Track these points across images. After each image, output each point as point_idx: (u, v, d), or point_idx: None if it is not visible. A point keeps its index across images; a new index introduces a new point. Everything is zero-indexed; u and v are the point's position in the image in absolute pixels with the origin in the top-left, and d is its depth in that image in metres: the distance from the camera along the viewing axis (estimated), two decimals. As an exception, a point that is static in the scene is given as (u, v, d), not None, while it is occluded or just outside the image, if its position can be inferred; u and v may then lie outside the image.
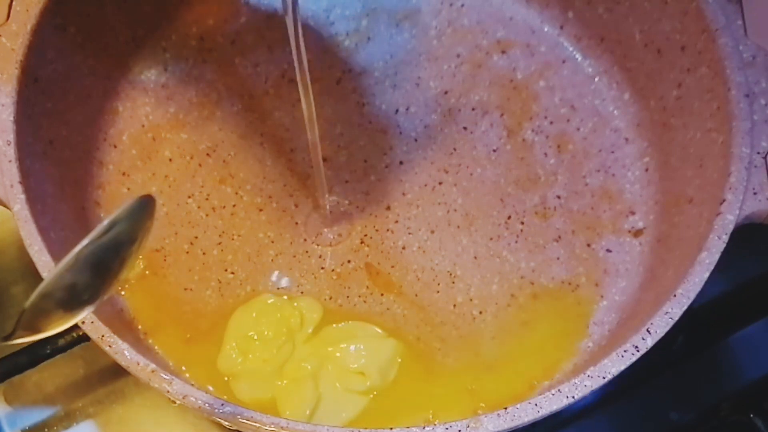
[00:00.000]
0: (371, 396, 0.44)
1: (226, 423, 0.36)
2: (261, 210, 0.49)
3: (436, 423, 0.35)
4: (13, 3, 0.44)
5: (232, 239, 0.48)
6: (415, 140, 0.51)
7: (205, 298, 0.47)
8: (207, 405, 0.36)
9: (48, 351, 0.44)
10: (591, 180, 0.50)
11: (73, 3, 0.46)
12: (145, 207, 0.30)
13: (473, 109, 0.52)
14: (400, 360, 0.45)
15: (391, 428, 0.35)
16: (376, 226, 0.49)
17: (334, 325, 0.46)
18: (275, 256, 0.48)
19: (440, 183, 0.50)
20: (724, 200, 0.41)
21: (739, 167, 0.41)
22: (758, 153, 0.42)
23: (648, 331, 0.37)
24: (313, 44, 0.54)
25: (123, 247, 0.29)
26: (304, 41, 0.51)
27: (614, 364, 0.37)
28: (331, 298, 0.47)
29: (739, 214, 0.40)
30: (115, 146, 0.51)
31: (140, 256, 0.46)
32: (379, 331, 0.46)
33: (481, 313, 0.46)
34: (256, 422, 0.35)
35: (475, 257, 0.48)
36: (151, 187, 0.49)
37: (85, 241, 0.27)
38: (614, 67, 0.52)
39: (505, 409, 0.35)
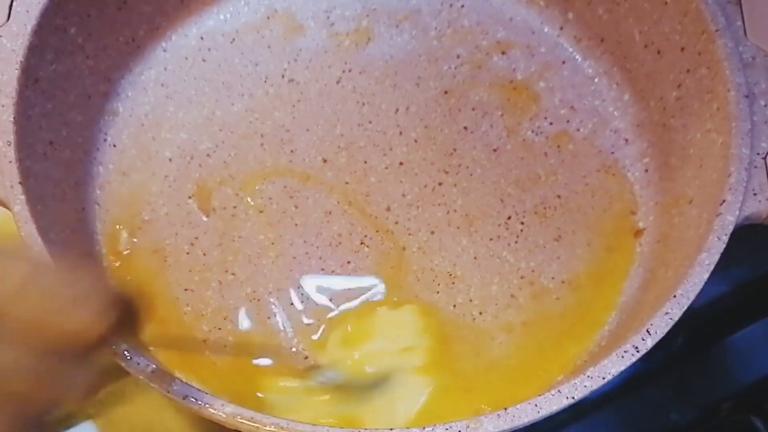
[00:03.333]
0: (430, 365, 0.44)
1: (226, 423, 0.36)
2: (261, 211, 0.49)
3: (435, 424, 0.35)
4: (14, 3, 0.44)
5: (233, 240, 0.48)
6: (415, 140, 0.51)
7: (206, 299, 0.47)
8: (207, 405, 0.36)
9: (48, 351, 0.44)
10: (591, 180, 0.50)
11: (73, 3, 0.46)
12: None
13: (473, 109, 0.52)
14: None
15: (392, 428, 0.35)
16: (376, 228, 0.49)
17: (349, 328, 0.46)
18: (275, 257, 0.48)
19: (440, 183, 0.50)
20: (723, 201, 0.41)
21: (738, 168, 0.41)
22: (758, 154, 0.42)
23: (648, 331, 0.37)
24: (313, 44, 0.54)
25: None
26: (307, 40, 0.52)
27: (614, 365, 0.37)
28: (331, 300, 0.47)
29: (738, 215, 0.40)
30: (115, 146, 0.51)
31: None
32: (387, 309, 0.46)
33: (481, 313, 0.46)
34: (256, 422, 0.35)
35: (475, 258, 0.48)
36: (151, 187, 0.49)
37: None
38: (614, 68, 0.52)
39: (505, 409, 0.36)
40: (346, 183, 0.50)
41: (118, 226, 0.47)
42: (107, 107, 0.51)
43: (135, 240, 0.46)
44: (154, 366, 0.37)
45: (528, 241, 0.48)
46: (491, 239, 0.49)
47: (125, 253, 0.47)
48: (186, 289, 0.47)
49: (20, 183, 0.41)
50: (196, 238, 0.48)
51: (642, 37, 0.50)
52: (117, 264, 0.47)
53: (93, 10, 0.48)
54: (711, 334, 0.50)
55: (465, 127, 0.52)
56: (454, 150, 0.51)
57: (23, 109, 0.43)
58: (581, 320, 0.46)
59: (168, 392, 0.36)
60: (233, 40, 0.54)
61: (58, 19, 0.45)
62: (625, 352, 0.37)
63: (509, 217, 0.49)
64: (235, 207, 0.49)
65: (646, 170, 0.50)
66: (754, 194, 0.41)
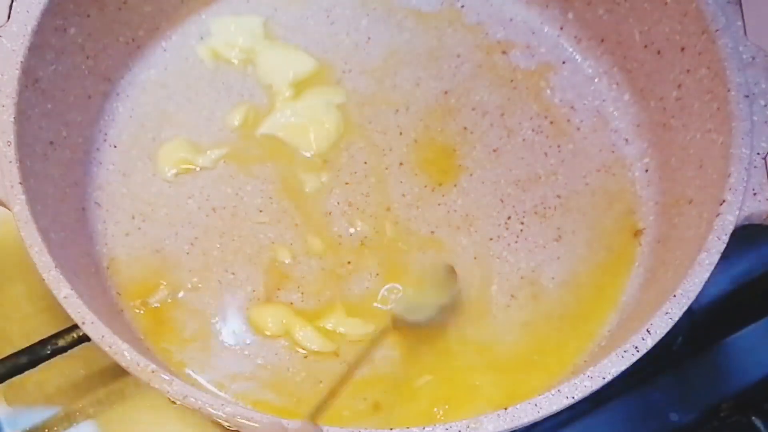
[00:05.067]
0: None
1: (226, 423, 0.36)
2: (261, 211, 0.49)
3: (436, 424, 0.35)
4: (14, 4, 0.44)
5: (233, 240, 0.48)
6: (415, 140, 0.51)
7: (206, 299, 0.47)
8: (207, 405, 0.36)
9: (48, 351, 0.44)
10: (591, 180, 0.50)
11: (73, 4, 0.46)
12: None
13: (473, 109, 0.52)
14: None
15: (391, 428, 0.35)
16: (376, 228, 0.49)
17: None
18: (275, 257, 0.48)
19: (440, 184, 0.50)
20: (723, 201, 0.41)
21: (738, 168, 0.41)
22: (758, 154, 0.42)
23: (648, 331, 0.37)
24: (313, 43, 0.54)
25: None
26: (307, 39, 0.52)
27: (614, 365, 0.37)
28: (331, 300, 0.47)
29: (738, 215, 0.40)
30: (115, 146, 0.51)
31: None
32: None
33: (481, 313, 0.46)
34: (256, 422, 0.35)
35: (475, 258, 0.48)
36: (151, 188, 0.49)
37: None
38: (614, 68, 0.52)
39: (505, 409, 0.36)
40: (346, 183, 0.50)
41: (163, 282, 0.47)
42: (107, 107, 0.51)
43: (169, 301, 0.46)
44: (154, 366, 0.37)
45: (528, 241, 0.48)
46: (491, 239, 0.49)
47: (154, 306, 0.46)
48: (186, 289, 0.47)
49: (20, 183, 0.41)
50: (196, 238, 0.48)
51: (642, 37, 0.50)
52: (140, 312, 0.46)
53: (93, 10, 0.48)
54: (711, 334, 0.50)
55: (465, 127, 0.52)
56: (454, 150, 0.51)
57: (23, 109, 0.43)
58: (581, 320, 0.46)
59: (168, 393, 0.36)
60: (233, 40, 0.54)
61: (58, 20, 0.45)
62: (625, 352, 0.37)
63: (509, 217, 0.49)
64: (234, 206, 0.49)
65: (646, 170, 0.50)
66: (754, 194, 0.41)
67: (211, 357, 0.45)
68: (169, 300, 0.46)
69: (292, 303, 0.46)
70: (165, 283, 0.47)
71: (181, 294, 0.47)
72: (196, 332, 0.46)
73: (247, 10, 0.55)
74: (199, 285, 0.47)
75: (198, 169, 0.50)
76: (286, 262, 0.48)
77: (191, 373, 0.45)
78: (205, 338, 0.46)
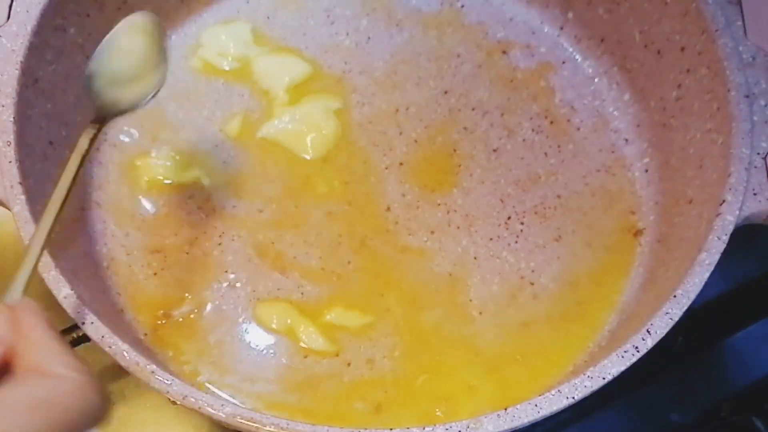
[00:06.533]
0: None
1: (226, 423, 0.36)
2: (261, 211, 0.49)
3: (436, 424, 0.35)
4: (14, 4, 0.44)
5: (233, 240, 0.48)
6: (415, 140, 0.51)
7: (205, 299, 0.47)
8: (207, 405, 0.36)
9: (48, 351, 0.44)
10: (591, 180, 0.50)
11: (73, 4, 0.46)
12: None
13: (473, 109, 0.52)
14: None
15: (391, 429, 0.35)
16: (376, 228, 0.49)
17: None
18: (275, 257, 0.48)
19: (440, 184, 0.50)
20: (723, 201, 0.41)
21: (738, 168, 0.41)
22: (758, 154, 0.42)
23: (648, 331, 0.37)
24: (313, 44, 0.54)
25: None
26: (307, 40, 0.51)
27: (614, 365, 0.37)
28: (331, 299, 0.47)
29: (738, 215, 0.40)
30: (114, 146, 0.51)
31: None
32: None
33: (481, 313, 0.46)
34: (255, 422, 0.35)
35: (475, 258, 0.48)
36: (151, 188, 0.49)
37: None
38: (614, 68, 0.52)
39: (505, 409, 0.36)
40: (346, 183, 0.50)
41: (187, 294, 0.47)
42: (107, 107, 0.51)
43: (192, 316, 0.46)
44: (154, 366, 0.37)
45: (528, 241, 0.48)
46: (491, 239, 0.49)
47: (179, 320, 0.46)
48: (186, 290, 0.47)
49: (20, 183, 0.41)
50: (196, 238, 0.48)
51: (642, 37, 0.50)
52: (162, 322, 0.46)
53: (93, 10, 0.48)
54: (711, 334, 0.50)
55: (465, 127, 0.52)
56: (454, 150, 0.51)
57: (23, 109, 0.43)
58: (581, 320, 0.46)
59: (168, 393, 0.36)
60: (225, 49, 0.54)
61: (57, 19, 0.45)
62: (625, 352, 0.37)
63: (509, 217, 0.49)
64: (234, 207, 0.49)
65: (646, 170, 0.50)
66: (754, 194, 0.41)
67: (212, 357, 0.45)
68: (191, 316, 0.46)
69: (292, 302, 0.47)
70: (189, 297, 0.46)
71: (180, 294, 0.47)
72: (197, 333, 0.46)
73: (246, 10, 0.55)
74: (199, 285, 0.47)
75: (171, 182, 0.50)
76: (287, 261, 0.48)
77: (201, 378, 0.45)
78: (205, 338, 0.46)
